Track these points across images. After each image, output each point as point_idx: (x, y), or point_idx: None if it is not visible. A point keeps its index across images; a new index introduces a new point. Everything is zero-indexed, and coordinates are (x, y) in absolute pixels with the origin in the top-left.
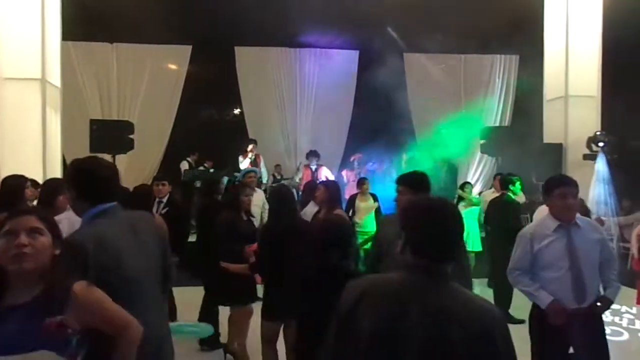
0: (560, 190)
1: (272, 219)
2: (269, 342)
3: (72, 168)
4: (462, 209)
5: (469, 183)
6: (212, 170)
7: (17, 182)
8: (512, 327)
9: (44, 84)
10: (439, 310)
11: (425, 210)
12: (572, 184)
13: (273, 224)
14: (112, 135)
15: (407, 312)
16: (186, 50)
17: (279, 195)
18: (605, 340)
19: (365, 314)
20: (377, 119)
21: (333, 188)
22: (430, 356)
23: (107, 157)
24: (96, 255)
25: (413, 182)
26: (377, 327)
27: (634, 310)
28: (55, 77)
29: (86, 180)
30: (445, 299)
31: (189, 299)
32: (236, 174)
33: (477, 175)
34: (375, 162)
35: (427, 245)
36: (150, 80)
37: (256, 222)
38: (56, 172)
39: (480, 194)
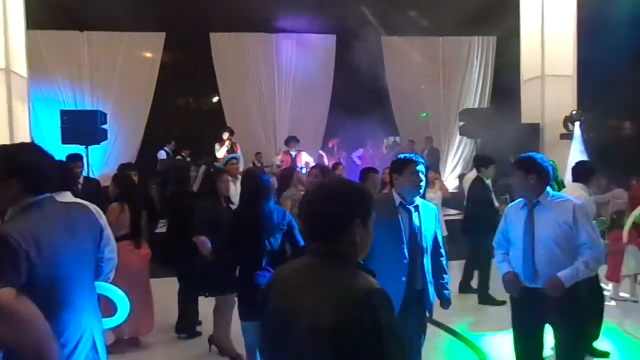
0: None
1: (244, 206)
2: (253, 349)
3: (13, 158)
4: (432, 194)
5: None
6: (189, 159)
7: None
8: (495, 309)
9: (8, 74)
10: (313, 294)
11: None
12: (515, 165)
13: (245, 212)
14: (83, 125)
15: (292, 296)
16: (160, 37)
17: (253, 181)
18: (576, 319)
19: (270, 297)
20: (356, 103)
21: (328, 173)
22: (302, 340)
23: (80, 148)
24: (28, 252)
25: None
26: (272, 310)
27: (609, 287)
28: (20, 66)
29: (32, 171)
30: (322, 282)
31: (165, 290)
32: (216, 163)
33: (457, 157)
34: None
35: (304, 226)
36: (124, 68)
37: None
38: None
39: (461, 176)
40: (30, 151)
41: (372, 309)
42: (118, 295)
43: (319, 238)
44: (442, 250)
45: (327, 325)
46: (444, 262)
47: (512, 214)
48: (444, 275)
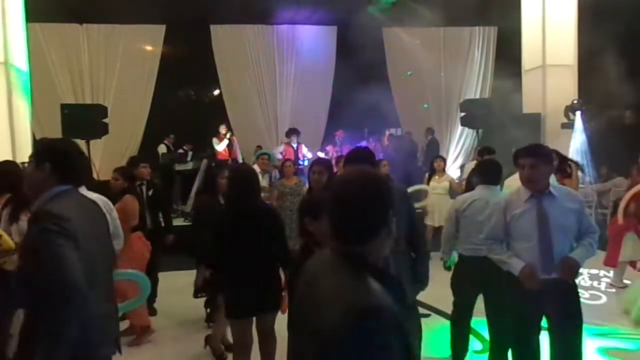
0: (520, 160)
1: (231, 203)
2: (241, 347)
3: (51, 145)
4: (435, 183)
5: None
6: (190, 153)
7: (12, 167)
8: None
9: (8, 68)
10: (318, 294)
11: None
12: (530, 155)
13: (230, 209)
14: (84, 119)
15: (305, 292)
16: (160, 29)
17: (241, 178)
18: (579, 307)
19: (295, 291)
20: (357, 95)
21: (331, 168)
22: (309, 340)
23: (81, 142)
24: (75, 231)
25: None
26: (294, 306)
27: (611, 273)
28: (20, 60)
29: (66, 160)
30: (328, 283)
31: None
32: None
33: (458, 148)
34: (357, 142)
35: (329, 225)
36: (124, 61)
37: None
38: (26, 157)
39: (462, 166)
40: (66, 143)
41: (363, 326)
42: (140, 277)
43: (343, 241)
44: (420, 242)
45: (320, 332)
46: (423, 257)
47: (514, 205)
48: (419, 272)
